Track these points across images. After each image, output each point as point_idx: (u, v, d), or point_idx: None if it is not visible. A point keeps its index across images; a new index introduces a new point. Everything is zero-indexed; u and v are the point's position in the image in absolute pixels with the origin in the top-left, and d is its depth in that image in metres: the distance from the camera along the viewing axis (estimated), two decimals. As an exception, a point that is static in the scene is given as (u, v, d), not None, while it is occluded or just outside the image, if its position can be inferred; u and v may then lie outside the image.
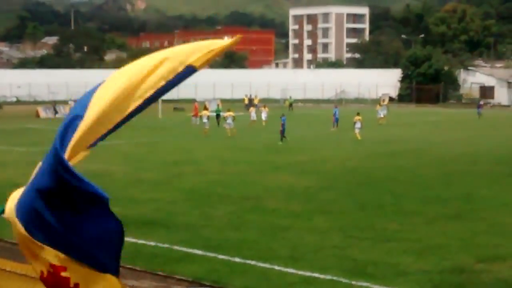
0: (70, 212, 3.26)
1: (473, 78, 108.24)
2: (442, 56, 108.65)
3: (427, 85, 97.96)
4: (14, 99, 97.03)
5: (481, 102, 68.68)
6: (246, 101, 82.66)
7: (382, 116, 58.40)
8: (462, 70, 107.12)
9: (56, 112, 72.07)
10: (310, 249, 15.81)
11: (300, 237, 16.84)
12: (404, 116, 65.88)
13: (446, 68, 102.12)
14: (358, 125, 45.04)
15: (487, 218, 19.28)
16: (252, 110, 58.15)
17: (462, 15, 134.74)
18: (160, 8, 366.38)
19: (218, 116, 56.81)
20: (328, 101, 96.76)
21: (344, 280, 13.49)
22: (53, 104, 75.78)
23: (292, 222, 18.57)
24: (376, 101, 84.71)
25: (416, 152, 36.45)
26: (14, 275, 8.38)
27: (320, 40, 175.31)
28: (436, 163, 31.95)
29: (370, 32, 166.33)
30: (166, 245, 15.98)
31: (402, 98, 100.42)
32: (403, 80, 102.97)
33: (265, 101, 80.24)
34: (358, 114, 46.40)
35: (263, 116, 56.78)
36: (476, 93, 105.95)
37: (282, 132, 42.18)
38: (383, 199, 22.20)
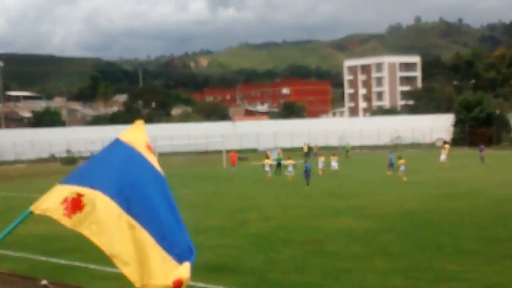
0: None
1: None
2: (493, 100, 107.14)
3: (479, 128, 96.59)
4: (89, 154, 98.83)
5: (482, 146, 65.45)
6: (305, 149, 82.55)
7: (444, 160, 57.16)
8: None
9: (127, 165, 73.12)
10: (372, 290, 15.59)
11: (362, 279, 16.62)
12: (458, 159, 64.86)
13: (497, 111, 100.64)
14: (402, 168, 46.35)
15: (545, 256, 18.78)
16: (321, 159, 54.65)
17: (511, 60, 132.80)
18: (222, 64, 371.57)
19: (279, 164, 56.63)
20: (384, 147, 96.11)
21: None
22: (124, 158, 76.93)
23: (354, 264, 18.36)
24: (431, 146, 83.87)
25: (472, 194, 35.79)
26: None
27: (375, 88, 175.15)
28: (492, 204, 31.29)
29: (422, 80, 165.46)
30: (234, 289, 15.95)
31: (456, 142, 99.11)
32: (456, 124, 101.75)
33: (323, 149, 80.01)
34: (400, 158, 47.44)
35: (333, 164, 53.07)
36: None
37: (307, 178, 43.50)
38: (441, 240, 21.81)
